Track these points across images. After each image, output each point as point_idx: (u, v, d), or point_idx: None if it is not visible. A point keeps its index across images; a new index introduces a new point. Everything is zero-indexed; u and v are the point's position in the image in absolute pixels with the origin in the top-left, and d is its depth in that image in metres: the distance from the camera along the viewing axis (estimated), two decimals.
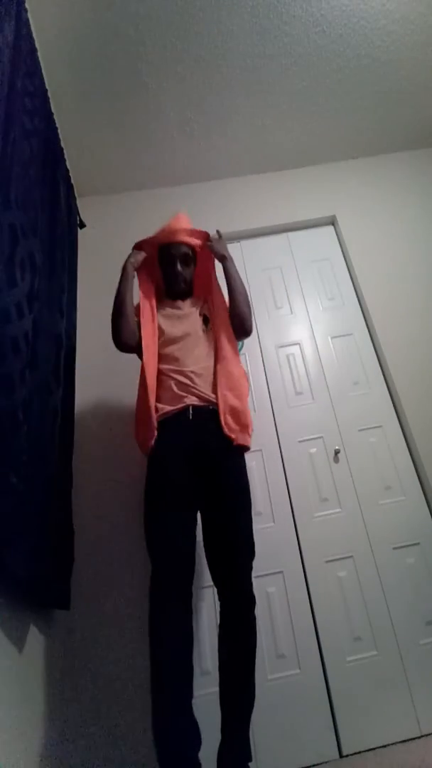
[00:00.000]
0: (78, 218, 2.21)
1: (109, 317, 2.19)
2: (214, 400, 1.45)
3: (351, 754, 1.44)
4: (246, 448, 1.49)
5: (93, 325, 2.08)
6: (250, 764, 1.14)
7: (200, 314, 1.65)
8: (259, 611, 1.60)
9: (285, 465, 1.88)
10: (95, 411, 1.92)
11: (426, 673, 1.55)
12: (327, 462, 1.89)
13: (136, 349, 1.58)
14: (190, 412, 1.43)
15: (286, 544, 1.74)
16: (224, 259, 1.65)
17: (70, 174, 2.12)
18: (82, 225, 2.25)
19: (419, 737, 1.46)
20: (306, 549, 1.73)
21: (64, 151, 1.98)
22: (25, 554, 1.11)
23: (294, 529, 1.76)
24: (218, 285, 1.71)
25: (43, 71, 1.68)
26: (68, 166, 2.06)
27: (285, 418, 1.97)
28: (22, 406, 1.08)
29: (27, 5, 1.46)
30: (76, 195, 2.23)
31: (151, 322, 1.58)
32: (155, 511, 1.33)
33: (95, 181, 2.40)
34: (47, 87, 1.71)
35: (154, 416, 1.41)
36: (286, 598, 1.65)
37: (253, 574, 1.64)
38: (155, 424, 1.41)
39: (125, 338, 1.56)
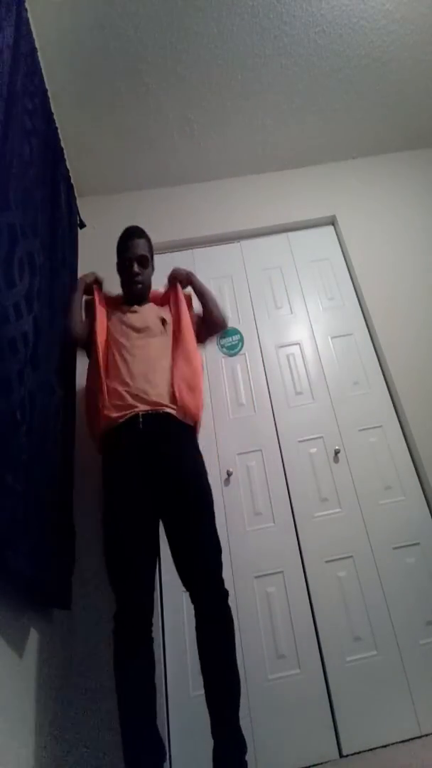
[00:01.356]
0: (78, 218, 2.21)
1: None
2: (165, 403, 1.41)
3: (351, 754, 1.44)
4: (195, 424, 1.48)
5: None
6: (246, 755, 1.13)
7: (158, 317, 1.62)
8: (259, 611, 1.62)
9: (285, 465, 1.88)
10: None
11: (426, 673, 1.55)
12: (327, 462, 1.89)
13: (86, 341, 1.63)
14: (140, 420, 1.37)
15: (286, 544, 1.74)
16: (191, 275, 1.70)
17: (70, 174, 2.12)
18: (82, 225, 2.25)
19: (419, 737, 1.46)
20: (306, 549, 1.73)
21: (64, 151, 1.98)
22: (29, 553, 1.11)
23: (294, 529, 1.76)
24: (183, 299, 1.73)
25: (43, 71, 1.68)
26: (68, 166, 2.06)
27: (285, 418, 1.97)
28: (20, 406, 1.08)
29: (27, 5, 1.46)
30: (76, 195, 2.23)
31: (104, 322, 1.60)
32: (115, 544, 1.29)
33: (95, 181, 2.40)
34: (47, 87, 1.71)
35: (102, 415, 1.40)
36: (286, 598, 1.65)
37: (253, 574, 1.66)
38: (102, 425, 1.40)
39: (74, 331, 1.61)
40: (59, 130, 1.88)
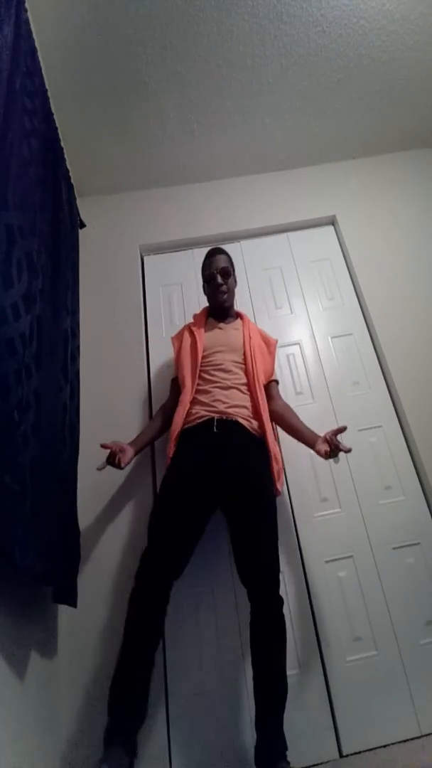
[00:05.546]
0: (78, 218, 2.21)
1: (108, 316, 2.20)
2: (243, 418, 1.52)
3: (351, 754, 1.44)
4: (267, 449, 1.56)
5: (93, 324, 2.08)
6: (287, 752, 1.19)
7: (242, 338, 1.69)
8: None
9: (285, 465, 1.87)
10: (97, 409, 1.91)
11: (426, 673, 1.55)
12: (327, 462, 1.88)
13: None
14: (215, 423, 1.48)
15: (286, 544, 1.73)
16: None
17: (70, 174, 2.12)
18: (82, 225, 2.25)
19: (419, 737, 1.45)
20: (306, 549, 1.73)
21: (64, 151, 1.98)
22: (39, 551, 1.12)
23: (294, 529, 1.76)
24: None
25: (43, 71, 1.68)
26: (68, 166, 2.06)
27: None
28: (18, 407, 1.08)
29: (27, 5, 1.46)
30: (76, 195, 2.24)
31: (192, 339, 1.70)
32: (167, 498, 1.38)
33: (95, 181, 2.41)
34: (47, 87, 1.71)
35: (178, 430, 1.51)
36: (287, 598, 1.64)
37: None
38: (176, 435, 1.50)
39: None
40: (59, 130, 1.89)
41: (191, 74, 2.02)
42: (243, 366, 1.63)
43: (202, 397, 1.55)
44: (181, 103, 2.13)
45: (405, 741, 1.45)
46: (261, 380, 1.62)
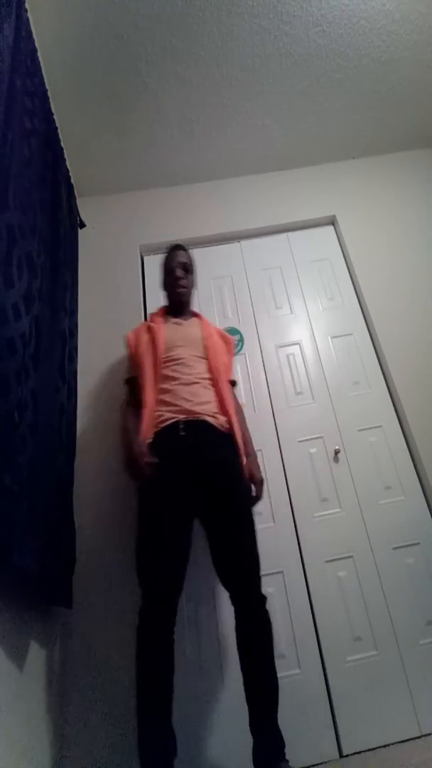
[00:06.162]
0: (78, 218, 2.21)
1: (108, 316, 2.20)
2: (209, 416, 1.46)
3: (351, 754, 1.44)
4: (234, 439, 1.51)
5: (92, 324, 2.08)
6: (285, 749, 1.18)
7: (201, 333, 1.66)
8: None
9: (285, 465, 1.87)
10: (95, 409, 1.92)
11: (426, 673, 1.55)
12: (327, 462, 1.88)
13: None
14: (181, 426, 1.42)
15: (286, 544, 1.74)
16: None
17: (70, 174, 2.12)
18: (82, 225, 2.25)
19: (419, 737, 1.45)
20: (306, 549, 1.73)
21: (64, 151, 1.98)
22: (35, 552, 1.11)
23: (294, 529, 1.76)
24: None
25: (43, 71, 1.68)
26: (68, 166, 2.06)
27: (285, 418, 1.97)
28: (18, 407, 1.08)
29: (27, 5, 1.46)
30: (76, 195, 2.24)
31: (150, 336, 1.63)
32: (155, 516, 1.32)
33: (95, 181, 2.40)
34: (47, 87, 1.71)
35: (147, 436, 1.41)
36: (286, 598, 1.65)
37: None
38: (146, 443, 1.39)
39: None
40: (59, 130, 1.89)
41: (191, 74, 2.02)
42: (205, 360, 1.59)
43: (165, 397, 1.47)
44: (181, 103, 2.13)
45: (405, 741, 1.45)
46: (224, 375, 1.59)
